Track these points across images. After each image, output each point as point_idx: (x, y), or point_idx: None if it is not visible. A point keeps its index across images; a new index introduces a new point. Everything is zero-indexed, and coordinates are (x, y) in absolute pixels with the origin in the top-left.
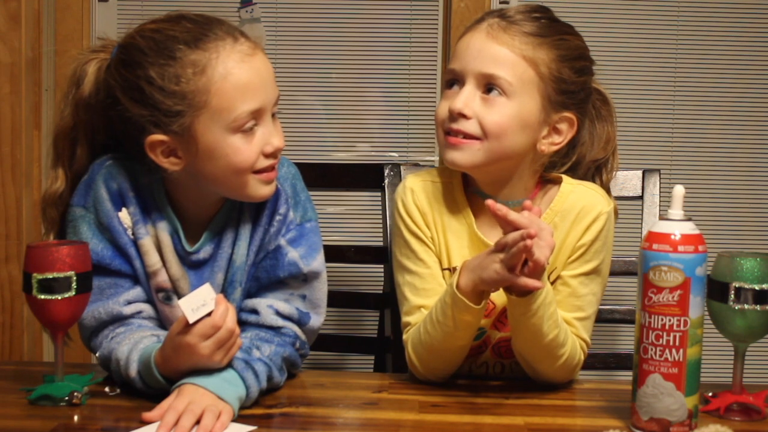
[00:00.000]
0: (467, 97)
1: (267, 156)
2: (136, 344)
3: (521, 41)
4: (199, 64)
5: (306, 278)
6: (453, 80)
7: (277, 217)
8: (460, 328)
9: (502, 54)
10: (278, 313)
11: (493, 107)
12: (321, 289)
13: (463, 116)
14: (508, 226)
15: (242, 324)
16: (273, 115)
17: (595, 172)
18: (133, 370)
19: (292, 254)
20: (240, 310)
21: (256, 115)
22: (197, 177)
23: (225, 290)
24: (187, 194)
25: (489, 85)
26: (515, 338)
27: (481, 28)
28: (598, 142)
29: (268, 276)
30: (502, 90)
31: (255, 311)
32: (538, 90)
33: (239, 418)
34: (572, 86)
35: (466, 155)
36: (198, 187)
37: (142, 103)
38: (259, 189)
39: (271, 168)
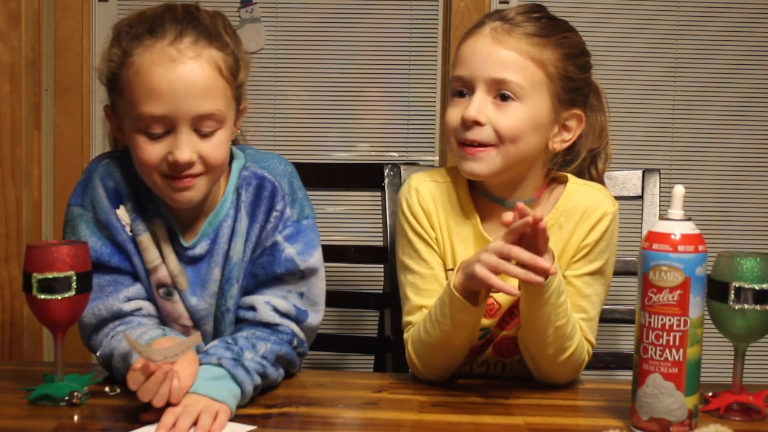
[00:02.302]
0: (480, 104)
1: (169, 164)
2: (140, 336)
3: (527, 43)
4: (126, 54)
5: (303, 275)
6: (461, 87)
7: (274, 214)
8: (458, 328)
9: (510, 57)
10: (276, 310)
11: (506, 112)
12: (319, 287)
13: (478, 124)
14: (511, 235)
15: (239, 321)
16: (198, 130)
17: (591, 162)
18: None
19: (289, 251)
20: (237, 307)
21: (166, 122)
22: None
23: (222, 287)
24: None
25: (500, 90)
26: (524, 329)
27: (484, 32)
28: (592, 132)
29: (265, 272)
30: (514, 94)
31: (252, 308)
32: (548, 90)
33: (238, 418)
34: (578, 83)
35: (485, 164)
36: None
37: (101, 72)
38: (169, 193)
39: (178, 177)
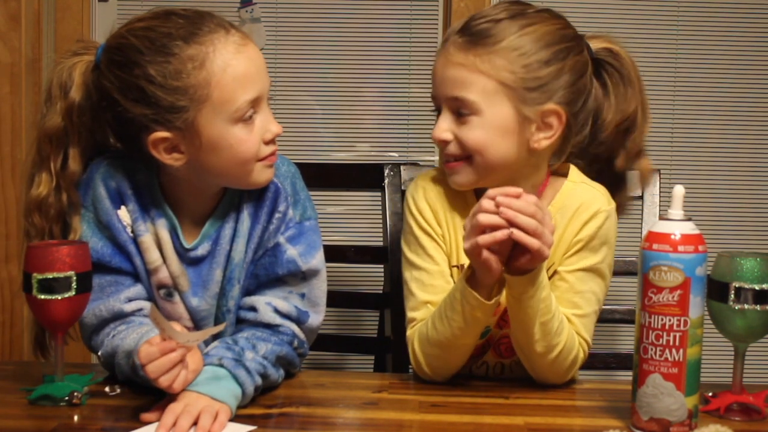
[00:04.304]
0: (443, 123)
1: (267, 143)
2: (143, 335)
3: (474, 54)
4: (198, 59)
5: (305, 276)
6: (435, 105)
7: (277, 215)
8: (470, 324)
9: (460, 75)
10: (276, 311)
11: (468, 127)
12: (320, 288)
13: (444, 142)
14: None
15: (240, 322)
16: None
17: (625, 134)
18: None
19: (291, 252)
20: (239, 308)
21: (255, 103)
22: (200, 170)
23: (223, 287)
24: (184, 190)
25: (459, 107)
26: (512, 326)
27: (443, 49)
28: (619, 103)
29: (267, 273)
30: (470, 109)
31: (253, 309)
32: (507, 96)
33: (238, 418)
34: (543, 79)
35: (462, 177)
36: (197, 181)
37: (144, 102)
38: (264, 173)
39: (272, 153)
